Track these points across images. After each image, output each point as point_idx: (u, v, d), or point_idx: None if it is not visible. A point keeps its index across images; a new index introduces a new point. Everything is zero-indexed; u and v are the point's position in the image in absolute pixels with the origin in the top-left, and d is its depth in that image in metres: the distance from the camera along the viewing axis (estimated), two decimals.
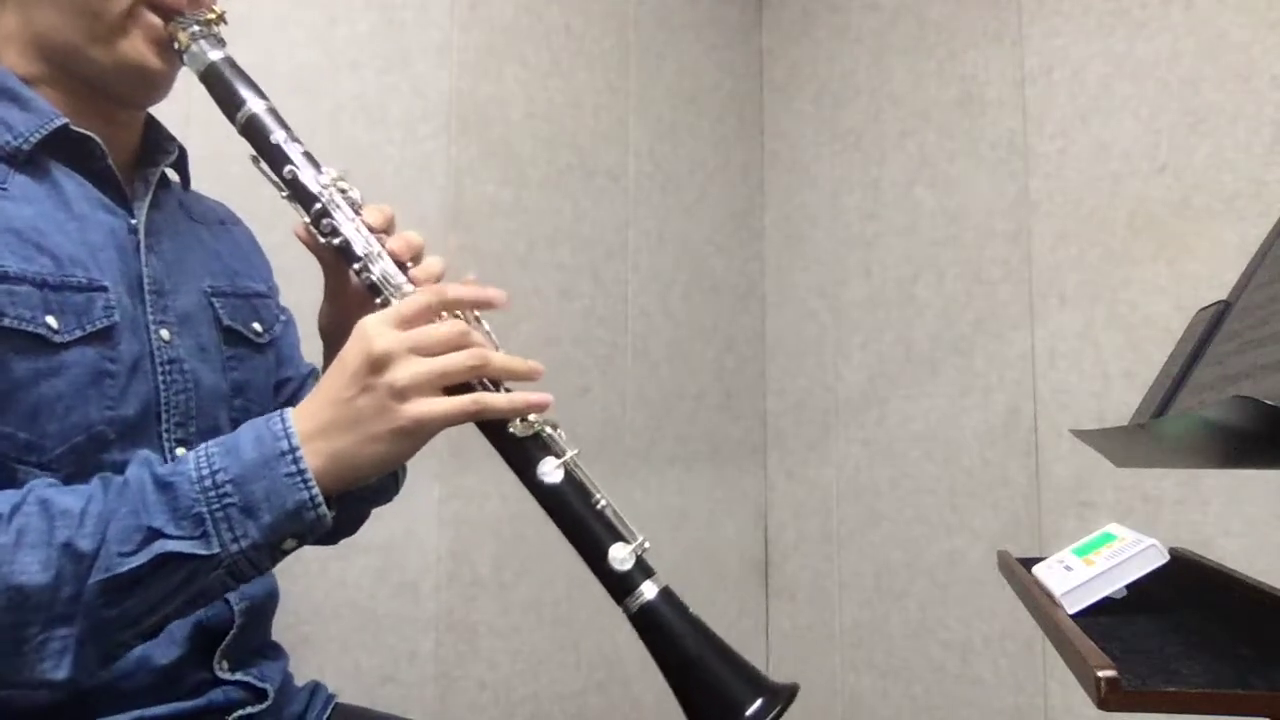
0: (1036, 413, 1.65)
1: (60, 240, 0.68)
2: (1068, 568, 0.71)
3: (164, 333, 0.74)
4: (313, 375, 0.97)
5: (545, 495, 0.65)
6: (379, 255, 0.70)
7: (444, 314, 0.68)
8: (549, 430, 0.67)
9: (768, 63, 2.17)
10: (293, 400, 0.91)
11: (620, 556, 0.64)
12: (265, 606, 0.83)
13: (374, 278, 0.70)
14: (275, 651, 0.85)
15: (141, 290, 0.73)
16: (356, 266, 0.71)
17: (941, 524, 1.77)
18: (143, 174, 0.79)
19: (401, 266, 0.71)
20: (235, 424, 0.79)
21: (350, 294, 0.77)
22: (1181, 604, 0.72)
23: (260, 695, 0.78)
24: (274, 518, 0.59)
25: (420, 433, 0.62)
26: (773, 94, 2.15)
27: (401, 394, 0.61)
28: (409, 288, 0.70)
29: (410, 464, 1.51)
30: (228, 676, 0.76)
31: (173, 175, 0.85)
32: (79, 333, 0.66)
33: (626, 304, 1.82)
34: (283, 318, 0.92)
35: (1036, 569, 0.75)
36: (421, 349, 0.63)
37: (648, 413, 1.84)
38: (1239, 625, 0.66)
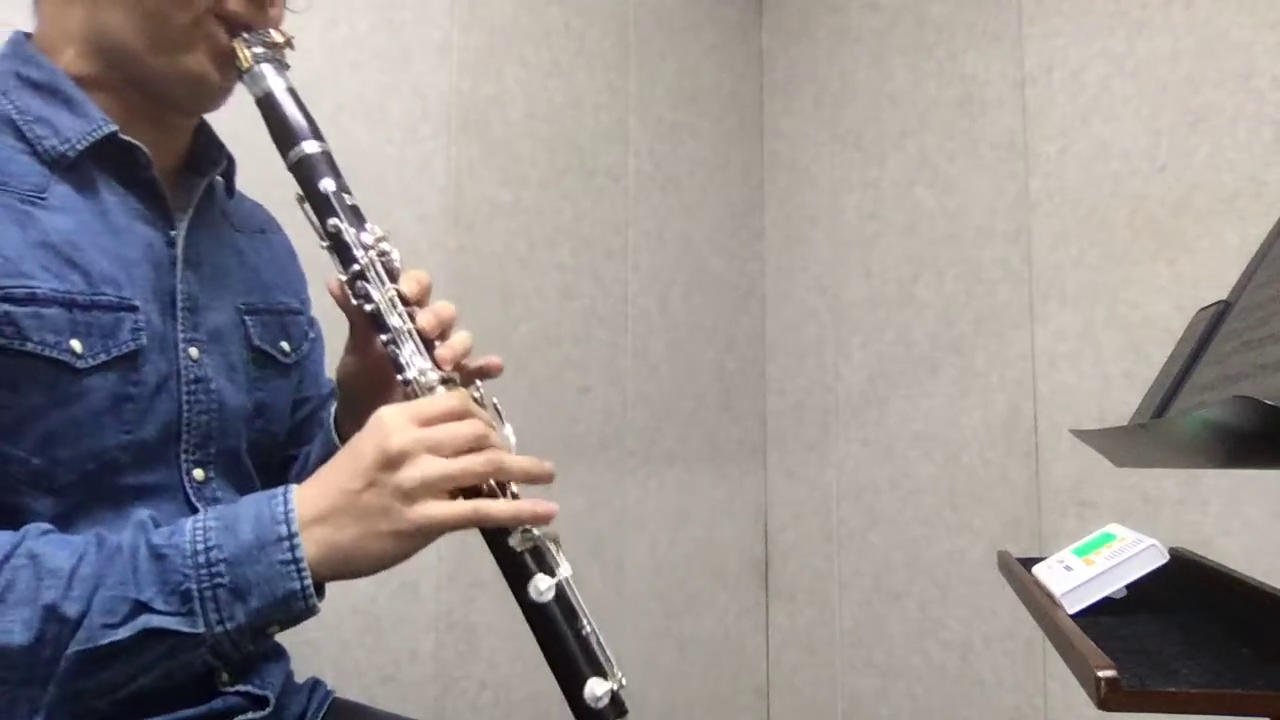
0: (1036, 413, 1.65)
1: (95, 255, 0.66)
2: (1068, 568, 0.71)
3: (193, 351, 0.73)
4: (333, 395, 0.96)
5: (533, 613, 0.64)
6: (408, 334, 0.69)
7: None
8: (548, 543, 0.65)
9: (768, 63, 2.17)
10: (307, 422, 0.91)
11: (596, 694, 0.62)
12: None
13: (401, 357, 0.68)
14: (277, 654, 0.84)
15: (174, 306, 0.72)
16: (384, 338, 0.70)
17: (941, 524, 1.77)
18: (188, 182, 0.78)
19: (429, 345, 0.69)
20: (252, 445, 0.80)
21: (374, 355, 0.76)
22: (1181, 604, 0.72)
23: (262, 702, 0.76)
24: (262, 604, 0.59)
25: (420, 536, 0.62)
26: (773, 94, 2.15)
27: (409, 495, 0.60)
28: (433, 374, 0.68)
29: None
30: (228, 689, 0.75)
31: (218, 180, 0.84)
32: (103, 357, 0.65)
33: (626, 304, 1.82)
34: (311, 334, 0.91)
35: (1036, 569, 0.75)
36: (439, 450, 0.62)
37: (648, 413, 1.84)
38: (1239, 625, 0.66)
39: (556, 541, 0.66)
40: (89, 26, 0.70)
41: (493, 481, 0.65)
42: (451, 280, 1.54)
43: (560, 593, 0.64)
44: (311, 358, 0.91)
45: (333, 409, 0.88)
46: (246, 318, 0.80)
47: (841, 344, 1.96)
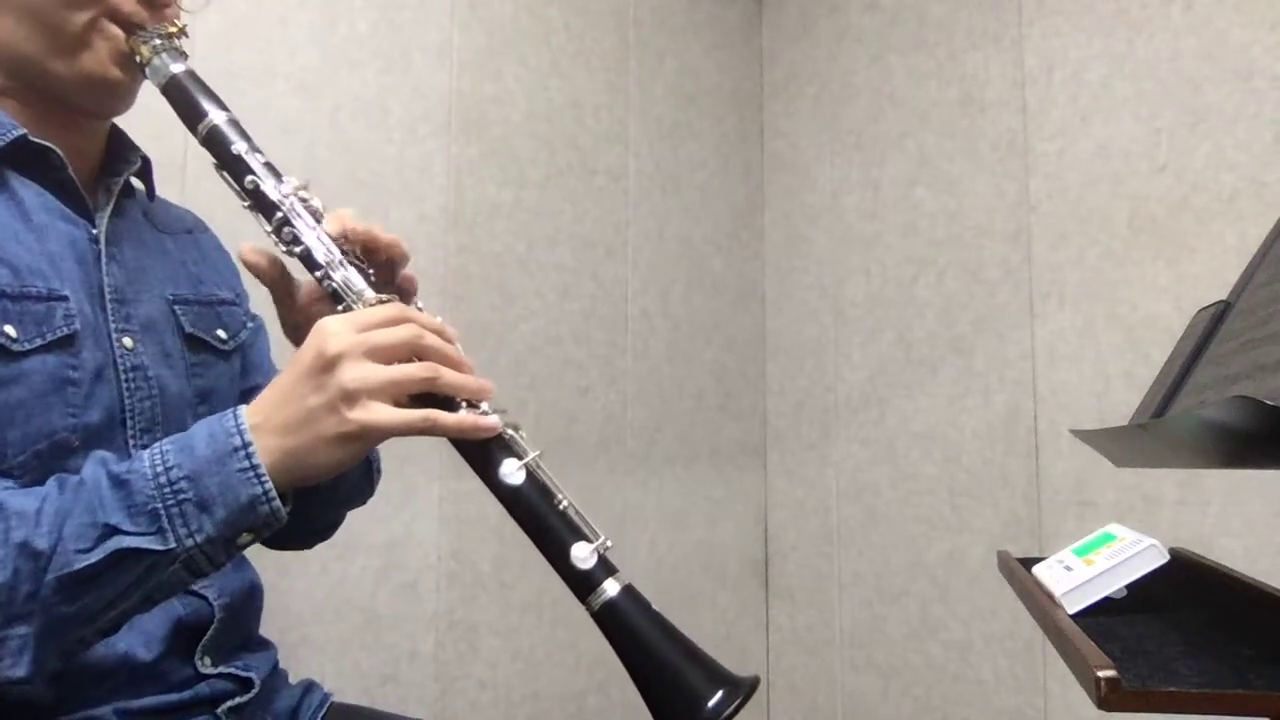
0: (1036, 413, 1.65)
1: (18, 251, 0.68)
2: (1068, 568, 0.71)
3: (126, 340, 0.75)
4: None
5: (507, 496, 0.66)
6: (339, 263, 0.71)
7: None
8: (510, 432, 0.67)
9: (768, 63, 2.17)
10: None
11: (582, 555, 0.64)
12: (246, 603, 0.83)
13: (335, 285, 0.71)
14: (260, 645, 0.85)
15: (103, 298, 0.74)
16: (318, 275, 0.71)
17: (941, 524, 1.77)
18: (105, 183, 0.79)
19: (364, 274, 0.72)
20: None
21: (305, 309, 0.77)
22: (1181, 604, 0.72)
23: (246, 685, 0.78)
24: (228, 512, 0.60)
25: (366, 438, 0.62)
26: (773, 94, 2.15)
27: (350, 397, 0.61)
28: (370, 294, 0.70)
29: (410, 464, 1.51)
30: (210, 671, 0.76)
31: (138, 184, 0.86)
32: (39, 341, 0.67)
33: (626, 304, 1.82)
34: (250, 324, 0.92)
35: (1036, 569, 0.75)
36: (376, 353, 0.63)
37: (648, 413, 1.84)
38: (1239, 625, 0.66)
39: (518, 428, 0.68)
40: None
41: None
42: (451, 280, 1.54)
43: (530, 473, 0.66)
44: (255, 346, 0.93)
45: None
46: (176, 307, 0.82)
47: (841, 344, 1.96)
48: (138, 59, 0.74)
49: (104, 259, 0.75)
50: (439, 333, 0.68)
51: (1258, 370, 0.57)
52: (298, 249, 0.72)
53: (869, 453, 1.90)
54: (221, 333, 0.86)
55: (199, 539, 0.60)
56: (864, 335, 1.92)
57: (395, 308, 0.67)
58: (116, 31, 0.73)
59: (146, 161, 0.85)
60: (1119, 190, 1.55)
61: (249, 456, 0.61)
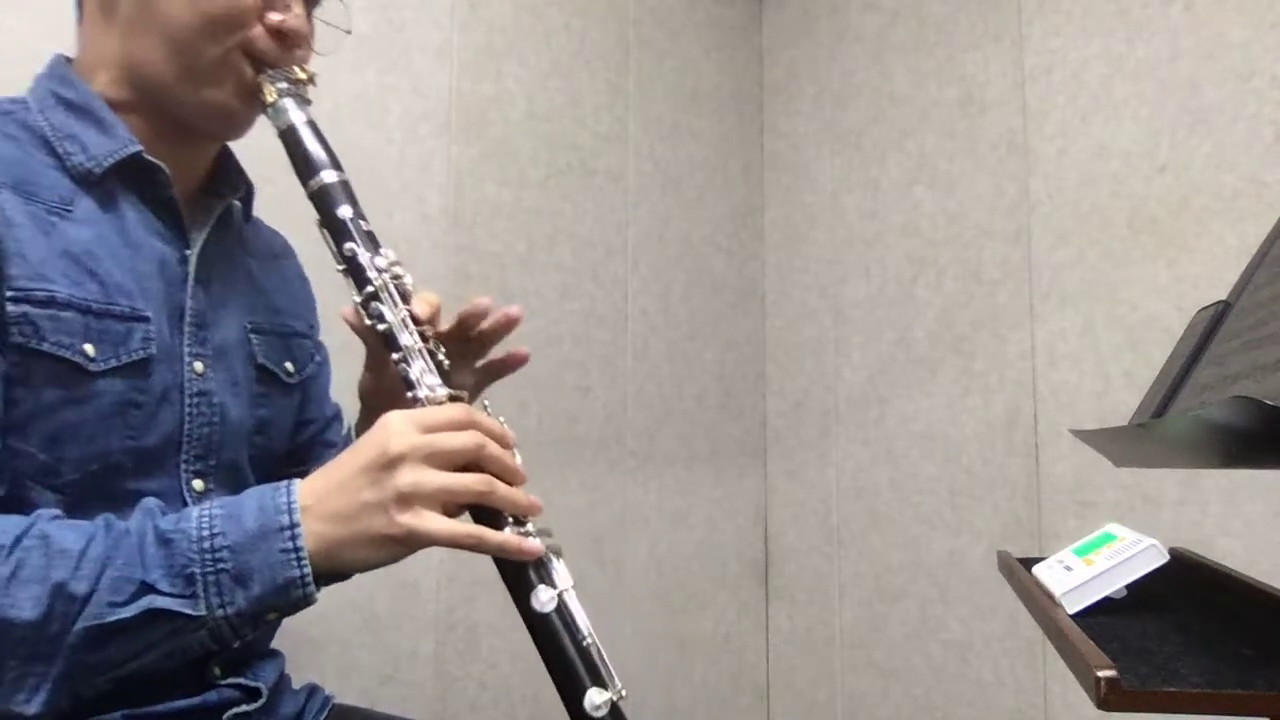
0: (1036, 413, 1.65)
1: (111, 267, 0.70)
2: (1068, 568, 0.71)
3: (198, 365, 0.76)
4: (337, 418, 1.00)
5: (535, 622, 0.66)
6: (418, 352, 0.72)
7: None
8: (551, 557, 0.67)
9: (768, 63, 2.17)
10: (310, 443, 0.95)
11: (596, 703, 0.64)
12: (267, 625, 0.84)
13: (411, 374, 0.72)
14: (271, 653, 0.85)
15: (182, 321, 0.75)
16: (396, 357, 0.73)
17: (941, 524, 1.77)
18: (206, 204, 0.81)
19: (440, 365, 0.73)
20: (254, 460, 0.82)
21: (389, 373, 0.79)
22: (1181, 604, 0.72)
23: (254, 694, 0.78)
24: (263, 590, 0.61)
25: (410, 544, 0.63)
26: (773, 94, 2.15)
27: (404, 500, 0.62)
28: (441, 390, 0.71)
29: None
30: (220, 681, 0.76)
31: (236, 203, 0.87)
32: (114, 362, 0.68)
33: (626, 304, 1.82)
34: (318, 358, 0.94)
35: (1036, 569, 0.75)
36: (436, 458, 0.63)
37: (648, 413, 1.84)
38: (1239, 625, 0.66)
39: (559, 553, 0.68)
40: (124, 54, 0.74)
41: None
42: (451, 280, 1.54)
43: (561, 604, 0.66)
44: (317, 380, 0.95)
45: (341, 429, 0.92)
46: (252, 336, 0.83)
47: (841, 344, 1.96)
48: (263, 97, 0.76)
49: (190, 282, 0.76)
50: (501, 439, 0.68)
51: (1258, 370, 0.57)
52: (381, 326, 0.73)
53: (869, 453, 1.90)
54: (289, 365, 0.87)
55: (229, 610, 0.60)
56: (864, 335, 1.92)
57: (462, 410, 0.68)
58: (247, 68, 0.75)
59: (250, 187, 0.87)
60: (1119, 190, 1.55)
61: (294, 538, 0.61)
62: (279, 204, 0.91)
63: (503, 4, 1.64)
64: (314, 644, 1.34)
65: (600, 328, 1.77)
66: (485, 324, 0.81)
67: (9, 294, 0.64)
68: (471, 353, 0.84)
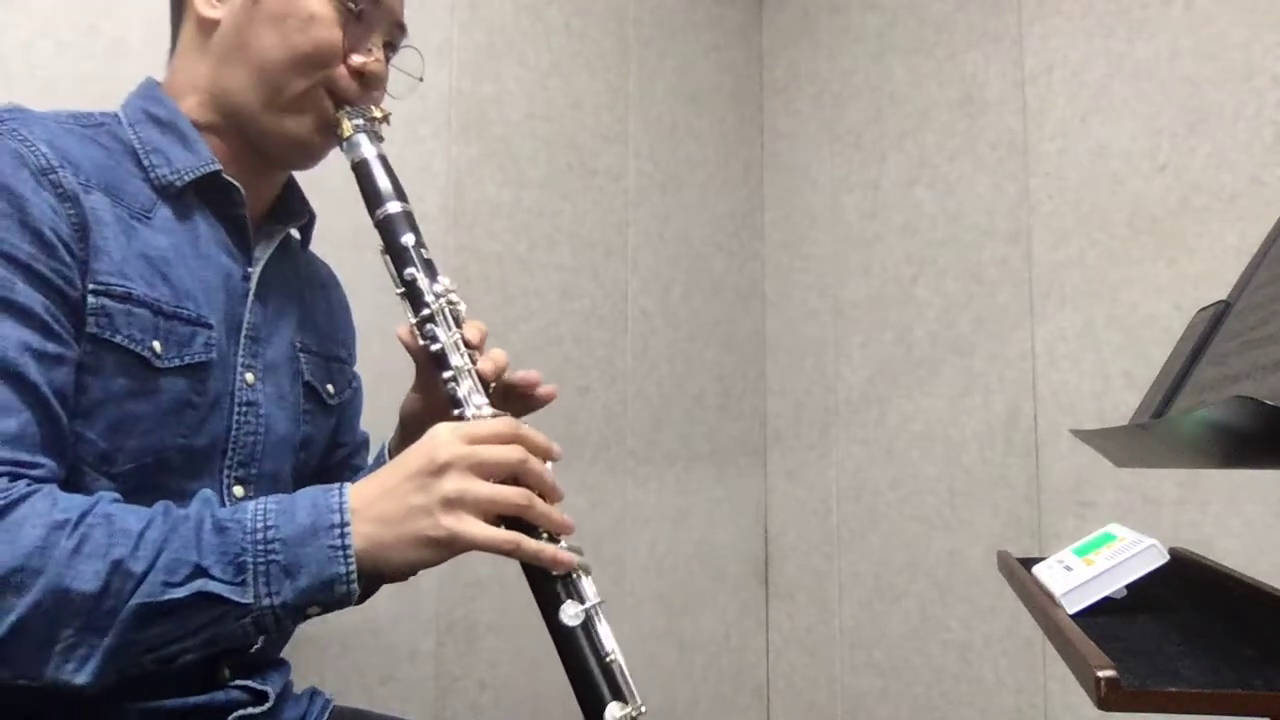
0: (1036, 413, 1.65)
1: (183, 274, 0.74)
2: (1068, 568, 0.71)
3: (249, 376, 0.80)
4: (366, 446, 1.04)
5: (561, 635, 0.68)
6: (467, 373, 0.76)
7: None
8: (581, 573, 0.70)
9: (768, 63, 2.17)
10: (340, 465, 0.99)
11: (616, 717, 0.66)
12: (281, 634, 0.87)
13: (459, 393, 0.76)
14: (279, 663, 0.87)
15: (239, 333, 0.79)
16: (446, 376, 0.77)
17: (941, 524, 1.77)
18: (270, 228, 0.86)
19: (485, 387, 0.77)
20: (295, 474, 0.86)
21: (436, 393, 0.82)
22: (1181, 604, 0.72)
23: (261, 697, 0.80)
24: (310, 583, 0.64)
25: (451, 547, 0.66)
26: (773, 94, 2.15)
27: (449, 504, 0.65)
28: (487, 410, 0.75)
29: None
30: (230, 683, 0.78)
31: (295, 233, 0.92)
32: (177, 362, 0.72)
33: (626, 304, 1.82)
34: (354, 384, 0.99)
35: (1036, 569, 0.75)
36: (481, 468, 0.67)
37: (648, 413, 1.84)
38: (1239, 625, 0.66)
39: (587, 570, 0.71)
40: (213, 81, 0.80)
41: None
42: (451, 280, 1.54)
43: (589, 619, 0.69)
44: (352, 405, 1.00)
45: (369, 457, 0.97)
46: (301, 355, 0.88)
47: (841, 344, 1.96)
48: (339, 131, 0.81)
49: (250, 297, 0.81)
50: (546, 452, 0.72)
51: (1258, 370, 0.57)
52: (434, 347, 0.78)
53: (869, 453, 1.90)
54: (330, 387, 0.92)
55: (275, 600, 0.63)
56: (864, 335, 1.92)
57: (508, 424, 0.71)
58: (328, 103, 0.81)
59: (312, 216, 0.91)
60: (1119, 190, 1.55)
61: (343, 536, 0.64)
62: (325, 234, 0.96)
63: (503, 4, 1.64)
64: (314, 644, 1.34)
65: (600, 328, 1.77)
66: (532, 392, 0.84)
67: (92, 287, 0.68)
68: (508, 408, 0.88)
